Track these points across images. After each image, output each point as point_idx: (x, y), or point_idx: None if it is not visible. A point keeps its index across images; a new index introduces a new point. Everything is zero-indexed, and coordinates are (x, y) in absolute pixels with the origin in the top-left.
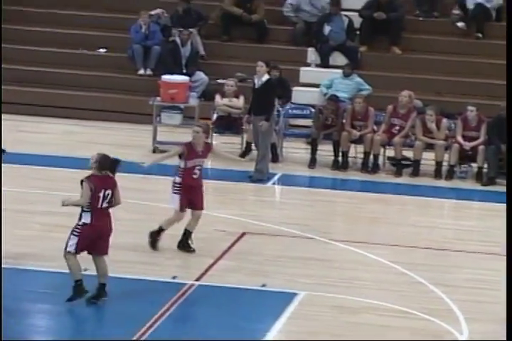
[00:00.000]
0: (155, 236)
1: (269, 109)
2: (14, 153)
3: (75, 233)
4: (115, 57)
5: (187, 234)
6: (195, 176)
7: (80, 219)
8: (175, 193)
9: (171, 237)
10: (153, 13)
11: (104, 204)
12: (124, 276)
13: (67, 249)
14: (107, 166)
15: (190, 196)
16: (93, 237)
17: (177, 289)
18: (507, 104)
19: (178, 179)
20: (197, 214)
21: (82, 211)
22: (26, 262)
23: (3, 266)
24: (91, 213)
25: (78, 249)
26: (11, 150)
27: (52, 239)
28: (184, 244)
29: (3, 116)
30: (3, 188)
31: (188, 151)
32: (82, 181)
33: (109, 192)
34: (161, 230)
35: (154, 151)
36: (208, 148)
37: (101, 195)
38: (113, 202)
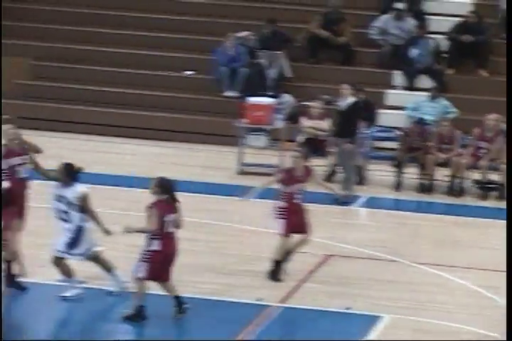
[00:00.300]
0: (276, 270)
1: (354, 131)
2: (98, 174)
3: (144, 259)
4: (202, 79)
5: (287, 256)
6: (296, 200)
7: (148, 245)
8: (279, 218)
9: (257, 259)
10: (240, 35)
11: (172, 229)
12: (209, 297)
13: (138, 275)
14: (170, 189)
15: (295, 220)
16: (163, 263)
17: (261, 311)
18: (507, 106)
19: (281, 203)
20: (303, 238)
21: (150, 237)
22: (108, 282)
23: (89, 286)
24: (160, 239)
25: (148, 276)
26: (97, 171)
27: (135, 260)
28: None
29: (90, 137)
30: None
31: (288, 177)
32: (148, 207)
33: (174, 216)
34: (278, 262)
35: (240, 173)
36: (308, 172)
37: (167, 219)
38: (178, 225)
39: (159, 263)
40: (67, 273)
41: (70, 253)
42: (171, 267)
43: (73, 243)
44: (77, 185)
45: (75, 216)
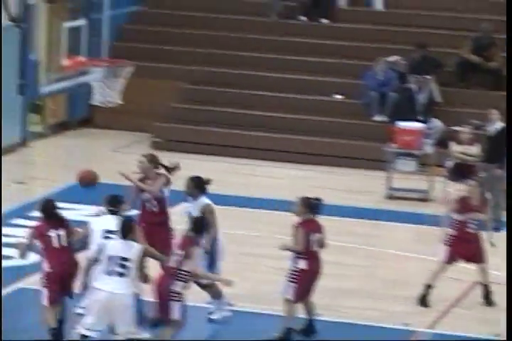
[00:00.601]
0: (427, 295)
1: (503, 156)
2: (245, 197)
3: (292, 279)
4: (351, 104)
5: (485, 288)
6: (469, 230)
7: (294, 265)
8: (445, 244)
9: (403, 284)
10: (389, 59)
11: (316, 248)
12: (355, 322)
13: (287, 296)
14: (313, 209)
15: (465, 249)
16: (310, 282)
17: (409, 336)
18: (507, 106)
19: (451, 231)
20: (480, 268)
21: (296, 257)
22: (254, 305)
23: (234, 308)
24: (305, 259)
25: (298, 298)
26: (244, 194)
27: (279, 282)
28: (487, 298)
29: (240, 160)
30: (232, 231)
31: (462, 205)
32: (295, 227)
33: (318, 235)
34: (429, 287)
35: (388, 197)
36: (484, 201)
37: (312, 238)
38: (322, 245)
39: (306, 283)
40: (216, 295)
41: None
42: (314, 287)
43: (211, 262)
44: (202, 199)
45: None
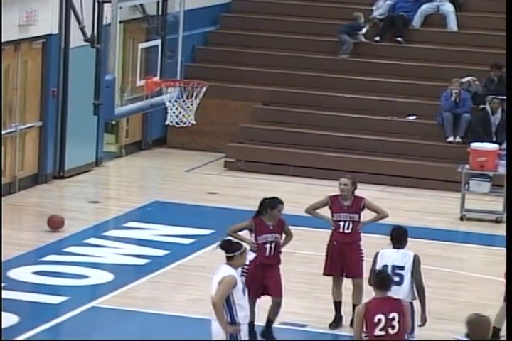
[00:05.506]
0: None
1: None
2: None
3: None
4: (424, 124)
5: None
6: None
7: None
8: None
9: (480, 306)
10: (464, 80)
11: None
12: None
13: None
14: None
15: None
16: None
17: None
18: (507, 105)
19: None
20: None
21: None
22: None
23: (306, 329)
24: None
25: None
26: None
27: (348, 303)
28: None
29: (314, 180)
30: (304, 252)
31: None
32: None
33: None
34: None
35: (461, 219)
36: None
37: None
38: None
39: None
40: None
41: None
42: None
43: None
44: None
45: None
